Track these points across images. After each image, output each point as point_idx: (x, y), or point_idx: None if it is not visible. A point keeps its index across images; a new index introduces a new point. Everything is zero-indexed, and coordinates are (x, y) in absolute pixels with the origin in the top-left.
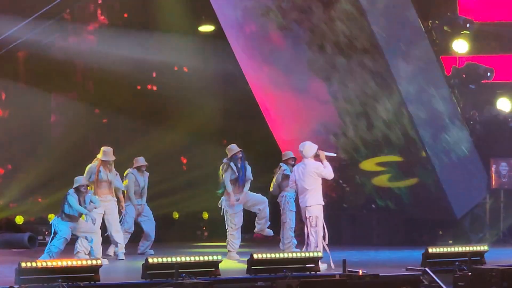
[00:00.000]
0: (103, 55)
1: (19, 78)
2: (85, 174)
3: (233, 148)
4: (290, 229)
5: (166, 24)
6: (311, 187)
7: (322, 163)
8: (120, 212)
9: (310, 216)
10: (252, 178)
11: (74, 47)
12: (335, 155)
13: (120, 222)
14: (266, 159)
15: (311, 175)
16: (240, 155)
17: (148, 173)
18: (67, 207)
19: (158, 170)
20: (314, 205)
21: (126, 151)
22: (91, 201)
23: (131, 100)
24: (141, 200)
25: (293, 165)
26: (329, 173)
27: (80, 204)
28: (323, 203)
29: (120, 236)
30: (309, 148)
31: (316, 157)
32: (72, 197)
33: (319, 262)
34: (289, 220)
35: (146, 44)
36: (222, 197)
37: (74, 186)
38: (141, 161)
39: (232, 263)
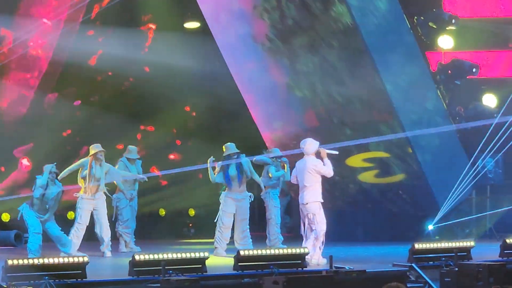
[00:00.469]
0: (90, 52)
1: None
2: (75, 165)
3: (230, 148)
4: (276, 225)
5: (152, 21)
6: (309, 184)
7: (323, 161)
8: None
9: (308, 213)
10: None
11: (58, 44)
12: (337, 153)
13: (113, 217)
14: (252, 156)
15: (310, 172)
16: (235, 156)
17: (140, 161)
18: (37, 190)
19: (144, 167)
20: (311, 202)
21: (112, 148)
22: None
23: (117, 97)
24: (133, 191)
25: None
26: (328, 171)
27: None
28: (322, 201)
29: (107, 234)
30: (310, 144)
31: (318, 154)
32: (40, 179)
33: (321, 257)
34: (274, 216)
35: (132, 40)
36: (222, 193)
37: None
38: (132, 150)
39: (219, 260)
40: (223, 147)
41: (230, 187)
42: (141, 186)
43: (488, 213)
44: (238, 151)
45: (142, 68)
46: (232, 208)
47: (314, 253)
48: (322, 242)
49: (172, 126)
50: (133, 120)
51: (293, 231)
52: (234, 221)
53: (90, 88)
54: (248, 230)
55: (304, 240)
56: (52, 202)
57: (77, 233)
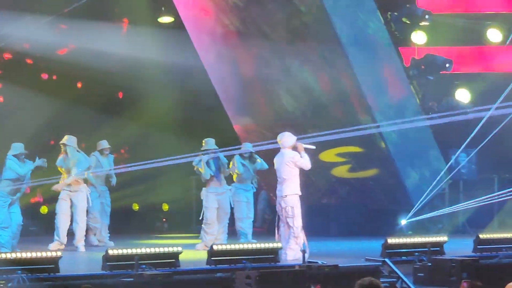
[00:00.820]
0: (63, 45)
1: None
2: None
3: (209, 144)
4: (239, 219)
5: (126, 15)
6: (287, 177)
7: (300, 154)
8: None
9: (286, 206)
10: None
11: (32, 38)
12: (314, 147)
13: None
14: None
15: (287, 165)
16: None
17: (112, 156)
18: (8, 171)
19: (117, 162)
20: (290, 195)
21: (85, 142)
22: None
23: (90, 91)
24: (104, 186)
25: (249, 158)
26: (306, 164)
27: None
28: (300, 193)
29: (80, 228)
30: (287, 138)
31: (295, 148)
32: (12, 161)
33: (300, 252)
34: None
35: (106, 35)
36: (203, 189)
37: (13, 153)
38: (103, 144)
39: (192, 254)
40: (203, 141)
41: (210, 183)
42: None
43: (461, 208)
44: (217, 147)
45: (116, 62)
46: (214, 203)
47: (293, 249)
48: (303, 238)
49: (146, 120)
50: (107, 114)
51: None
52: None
53: (61, 81)
54: (227, 225)
55: (276, 233)
56: (26, 181)
57: (56, 223)
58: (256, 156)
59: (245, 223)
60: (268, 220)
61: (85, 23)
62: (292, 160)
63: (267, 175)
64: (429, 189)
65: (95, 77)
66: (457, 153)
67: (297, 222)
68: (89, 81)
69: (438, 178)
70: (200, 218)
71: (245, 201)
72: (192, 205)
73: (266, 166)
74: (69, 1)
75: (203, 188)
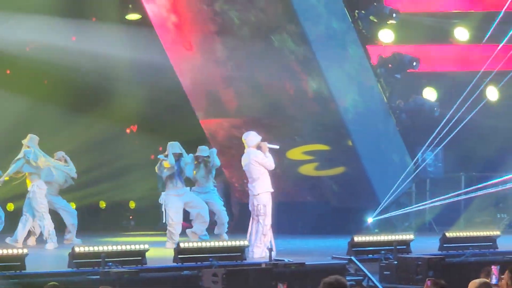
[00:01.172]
0: (29, 43)
1: None
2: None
3: (175, 148)
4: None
5: (93, 12)
6: (257, 176)
7: (265, 154)
8: None
9: (258, 204)
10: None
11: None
12: (278, 147)
13: None
14: (194, 150)
15: (253, 164)
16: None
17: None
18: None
19: (85, 160)
20: (262, 193)
21: (52, 140)
22: None
23: (57, 89)
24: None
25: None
26: (269, 163)
27: None
28: (272, 190)
29: (46, 225)
30: (252, 137)
31: (259, 148)
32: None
33: (266, 250)
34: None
35: (73, 32)
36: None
37: None
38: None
39: (158, 252)
40: (169, 144)
41: (173, 185)
42: (81, 178)
43: (427, 206)
44: (180, 152)
45: (83, 59)
46: (179, 203)
47: (259, 247)
48: (270, 236)
49: (113, 118)
50: (73, 112)
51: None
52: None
53: (27, 79)
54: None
55: (251, 232)
56: None
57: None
58: (214, 156)
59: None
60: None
61: (53, 20)
62: (256, 159)
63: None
64: (395, 187)
65: (62, 75)
66: (424, 151)
67: (267, 220)
68: (56, 78)
69: (404, 176)
70: (164, 222)
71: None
72: (159, 202)
73: (218, 163)
74: None
75: (163, 193)
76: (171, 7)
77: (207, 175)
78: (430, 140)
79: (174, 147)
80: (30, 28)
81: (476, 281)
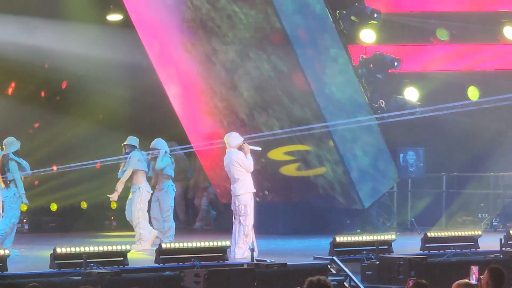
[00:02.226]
0: (8, 44)
1: None
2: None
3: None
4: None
5: (74, 13)
6: (238, 176)
7: (246, 156)
8: None
9: (239, 205)
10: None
11: None
12: (259, 149)
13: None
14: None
15: (233, 165)
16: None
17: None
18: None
19: (66, 160)
20: (244, 193)
21: (34, 141)
22: None
23: (38, 90)
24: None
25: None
26: (249, 166)
27: None
28: (254, 190)
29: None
30: (233, 138)
31: (241, 149)
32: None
33: (248, 250)
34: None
35: (54, 33)
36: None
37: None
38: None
39: (140, 253)
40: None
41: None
42: (62, 179)
43: (409, 206)
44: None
45: (64, 59)
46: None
47: (241, 247)
48: (252, 237)
49: (94, 118)
50: (54, 113)
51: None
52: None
53: (7, 79)
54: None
55: (233, 233)
56: None
57: None
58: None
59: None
60: (211, 218)
61: (32, 20)
62: (237, 160)
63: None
64: (377, 187)
65: (42, 75)
66: (406, 151)
67: (249, 220)
68: (35, 79)
69: (386, 176)
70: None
71: (154, 200)
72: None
73: (161, 165)
74: None
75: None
76: (152, 7)
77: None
78: (411, 140)
79: (162, 145)
80: (9, 28)
81: (460, 282)
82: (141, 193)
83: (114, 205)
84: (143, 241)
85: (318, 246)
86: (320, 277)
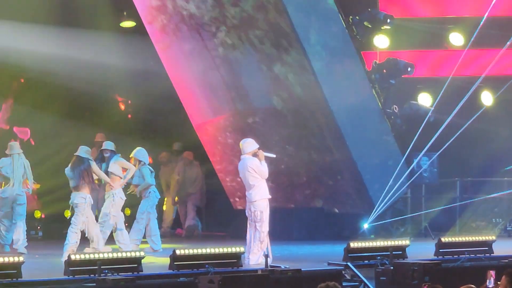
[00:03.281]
0: (24, 52)
1: None
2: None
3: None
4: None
5: (88, 21)
6: (253, 183)
7: (260, 162)
8: None
9: (255, 211)
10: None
11: None
12: (274, 156)
13: None
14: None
15: (249, 171)
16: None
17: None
18: None
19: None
20: (260, 200)
21: (50, 147)
22: None
23: (51, 97)
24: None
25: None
26: (263, 172)
27: None
28: (269, 196)
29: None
30: (248, 144)
31: (256, 156)
32: None
33: (263, 256)
34: None
35: (68, 40)
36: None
37: None
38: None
39: (155, 259)
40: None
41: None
42: None
43: (423, 212)
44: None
45: (78, 67)
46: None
47: (256, 253)
48: (267, 243)
49: (108, 125)
50: (69, 120)
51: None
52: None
53: (24, 87)
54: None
55: (248, 239)
56: None
57: None
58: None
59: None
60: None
61: (47, 29)
62: (252, 166)
63: None
64: (391, 193)
65: (58, 82)
66: (419, 157)
67: (264, 227)
68: (52, 86)
69: (400, 181)
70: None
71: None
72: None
73: (150, 181)
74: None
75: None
76: (165, 14)
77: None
78: (425, 145)
79: (144, 155)
80: (25, 37)
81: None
82: (114, 199)
83: (128, 212)
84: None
85: (332, 252)
86: (329, 283)
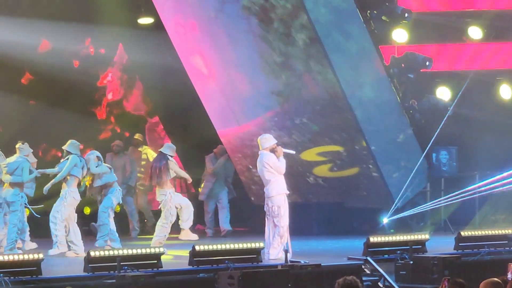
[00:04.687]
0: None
1: None
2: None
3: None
4: None
5: (105, 16)
6: (270, 178)
7: (278, 158)
8: None
9: (272, 206)
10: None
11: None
12: (294, 152)
13: None
14: (207, 151)
15: (265, 167)
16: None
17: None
18: None
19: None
20: (276, 195)
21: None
22: None
23: (68, 93)
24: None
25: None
26: (280, 168)
27: None
28: (287, 192)
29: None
30: (266, 140)
31: (274, 151)
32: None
33: (282, 251)
34: None
35: (85, 36)
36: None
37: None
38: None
39: (174, 255)
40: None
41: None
42: None
43: (442, 205)
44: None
45: (96, 64)
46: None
47: (276, 248)
48: (287, 238)
49: (126, 121)
50: (86, 116)
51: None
52: None
53: (40, 84)
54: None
55: (267, 234)
56: None
57: None
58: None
59: None
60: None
61: (66, 25)
62: (269, 162)
63: None
64: (410, 187)
65: (73, 79)
66: (438, 151)
67: (283, 221)
68: (67, 82)
69: (419, 176)
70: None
71: None
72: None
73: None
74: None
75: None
76: (183, 10)
77: None
78: (444, 139)
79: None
80: (44, 34)
81: (487, 281)
82: (67, 198)
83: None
84: (60, 245)
85: (352, 247)
86: (347, 277)
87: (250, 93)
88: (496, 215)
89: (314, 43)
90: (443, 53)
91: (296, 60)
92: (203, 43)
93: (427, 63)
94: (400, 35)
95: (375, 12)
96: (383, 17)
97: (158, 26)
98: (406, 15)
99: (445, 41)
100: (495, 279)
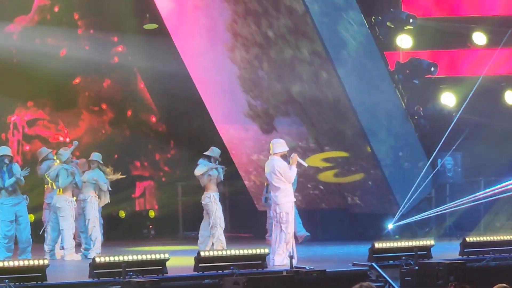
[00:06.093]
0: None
1: None
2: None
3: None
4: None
5: (111, 22)
6: (278, 185)
7: (290, 166)
8: None
9: (280, 212)
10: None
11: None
12: (306, 165)
13: None
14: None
15: (274, 173)
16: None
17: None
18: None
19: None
20: (285, 202)
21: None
22: None
23: (73, 98)
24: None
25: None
26: (291, 178)
27: None
28: (294, 199)
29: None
30: (279, 145)
31: (284, 158)
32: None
33: (288, 257)
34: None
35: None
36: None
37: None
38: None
39: (179, 261)
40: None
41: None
42: None
43: (447, 211)
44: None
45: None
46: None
47: (281, 254)
48: (292, 245)
49: (132, 127)
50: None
51: None
52: None
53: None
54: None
55: (273, 240)
56: None
57: None
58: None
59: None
60: None
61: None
62: (279, 170)
63: None
64: (415, 193)
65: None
66: (443, 156)
67: (290, 228)
68: (74, 88)
69: (424, 182)
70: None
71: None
72: (178, 211)
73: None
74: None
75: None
76: (187, 16)
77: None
78: (449, 145)
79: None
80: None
81: (500, 286)
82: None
83: (152, 214)
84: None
85: (357, 253)
86: (363, 283)
87: (253, 97)
88: (501, 221)
89: (319, 50)
90: (447, 59)
91: (301, 66)
92: (208, 48)
93: (432, 69)
94: (404, 41)
95: (380, 18)
96: (388, 23)
97: (163, 31)
98: (411, 21)
99: (450, 47)
100: (504, 284)
